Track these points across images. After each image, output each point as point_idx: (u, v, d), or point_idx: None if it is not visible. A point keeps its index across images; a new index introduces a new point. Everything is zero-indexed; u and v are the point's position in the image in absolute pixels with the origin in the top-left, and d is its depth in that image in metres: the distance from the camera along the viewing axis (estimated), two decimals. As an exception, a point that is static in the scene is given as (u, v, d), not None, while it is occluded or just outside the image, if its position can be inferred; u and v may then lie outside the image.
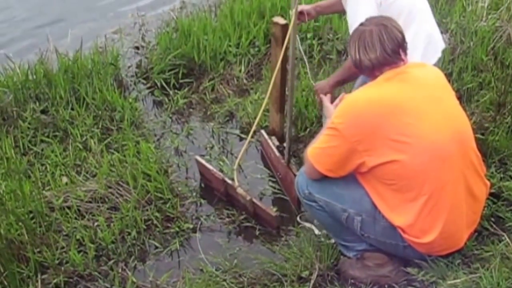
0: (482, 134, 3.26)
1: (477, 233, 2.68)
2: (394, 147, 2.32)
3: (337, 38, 4.36)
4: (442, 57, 3.84)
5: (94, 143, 3.58)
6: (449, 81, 3.58)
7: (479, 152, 2.55)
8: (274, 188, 3.37)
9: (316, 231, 2.93)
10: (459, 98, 3.52)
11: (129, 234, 3.02)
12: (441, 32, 4.11)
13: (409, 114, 2.34)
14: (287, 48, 3.05)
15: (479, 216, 2.60)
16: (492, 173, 2.99)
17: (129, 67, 4.41)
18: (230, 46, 4.36)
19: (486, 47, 3.95)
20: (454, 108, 2.51)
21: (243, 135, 3.76)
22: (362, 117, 2.35)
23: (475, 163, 2.49)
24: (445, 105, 2.47)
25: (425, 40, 3.06)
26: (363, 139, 2.34)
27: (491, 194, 2.78)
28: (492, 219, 2.81)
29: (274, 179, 3.42)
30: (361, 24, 2.49)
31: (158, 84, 4.19)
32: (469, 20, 4.19)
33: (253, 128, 3.25)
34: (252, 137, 3.34)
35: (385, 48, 2.39)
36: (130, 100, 3.97)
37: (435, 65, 3.14)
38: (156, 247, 3.01)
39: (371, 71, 2.45)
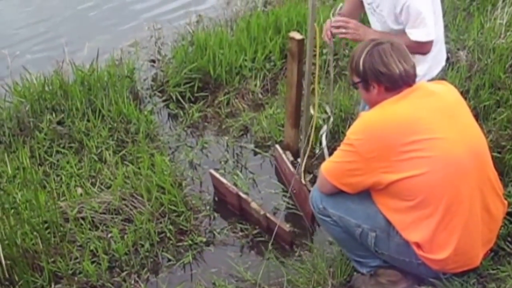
0: (499, 153, 3.22)
1: (493, 253, 2.65)
2: (412, 163, 2.30)
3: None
4: (459, 75, 3.84)
5: (109, 155, 3.60)
6: (465, 98, 3.57)
7: (496, 170, 2.52)
8: (288, 203, 3.35)
9: None
10: (476, 115, 3.51)
11: (143, 246, 3.02)
12: (458, 49, 4.11)
13: (425, 130, 2.33)
14: (303, 63, 3.04)
15: (495, 235, 2.56)
16: (509, 192, 2.95)
17: (144, 80, 4.44)
18: (246, 60, 4.37)
19: (504, 65, 3.92)
20: (470, 124, 2.50)
21: (257, 150, 3.76)
22: (378, 134, 2.34)
23: (492, 179, 2.46)
24: (461, 121, 2.46)
25: (442, 44, 3.10)
26: (379, 155, 2.32)
27: (508, 213, 2.74)
28: (509, 238, 2.77)
29: (288, 194, 3.41)
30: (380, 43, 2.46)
31: (174, 97, 4.21)
32: (487, 37, 4.17)
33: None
34: (266, 151, 3.31)
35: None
36: (146, 112, 3.99)
37: (439, 73, 3.15)
38: (169, 260, 3.01)
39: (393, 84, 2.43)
